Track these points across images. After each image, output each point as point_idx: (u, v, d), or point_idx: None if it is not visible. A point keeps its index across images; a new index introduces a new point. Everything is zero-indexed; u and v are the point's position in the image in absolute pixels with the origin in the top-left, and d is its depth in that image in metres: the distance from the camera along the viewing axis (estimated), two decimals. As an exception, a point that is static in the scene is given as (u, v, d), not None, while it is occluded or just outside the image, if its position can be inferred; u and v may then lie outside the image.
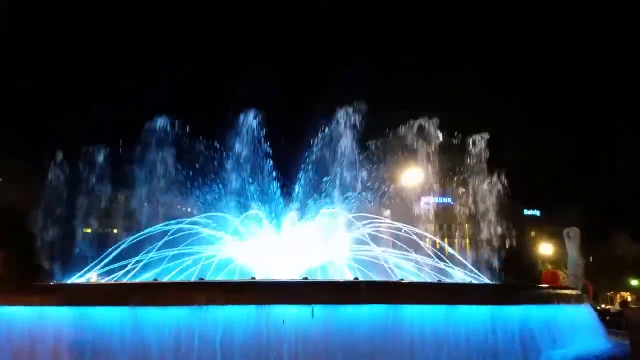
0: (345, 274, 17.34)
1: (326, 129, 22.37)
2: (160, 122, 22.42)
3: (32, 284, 12.09)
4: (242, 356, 8.58)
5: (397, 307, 9.16)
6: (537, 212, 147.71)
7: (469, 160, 23.20)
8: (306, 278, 13.74)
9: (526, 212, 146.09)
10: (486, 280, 16.53)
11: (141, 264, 16.84)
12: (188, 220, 19.26)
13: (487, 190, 22.98)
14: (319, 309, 8.84)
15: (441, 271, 18.50)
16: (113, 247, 17.05)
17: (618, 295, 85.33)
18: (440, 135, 22.53)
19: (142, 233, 18.64)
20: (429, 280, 16.40)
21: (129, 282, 15.07)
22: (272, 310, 8.79)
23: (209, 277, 14.89)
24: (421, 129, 22.25)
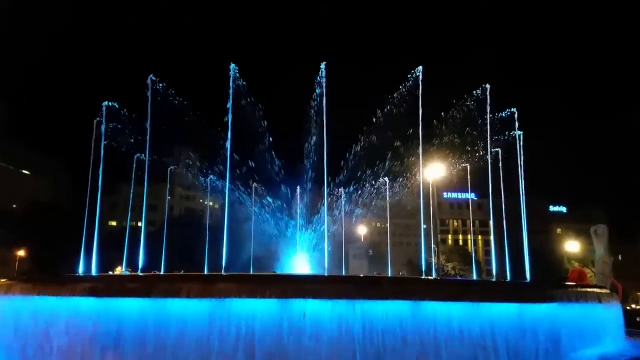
0: None
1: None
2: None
3: (60, 275, 12.36)
4: (264, 346, 8.62)
5: (418, 303, 9.04)
6: (563, 209, 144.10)
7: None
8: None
9: (552, 208, 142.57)
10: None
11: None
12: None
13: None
14: (338, 304, 8.81)
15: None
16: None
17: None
18: None
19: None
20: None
21: (153, 274, 15.30)
22: (293, 304, 8.80)
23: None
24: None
